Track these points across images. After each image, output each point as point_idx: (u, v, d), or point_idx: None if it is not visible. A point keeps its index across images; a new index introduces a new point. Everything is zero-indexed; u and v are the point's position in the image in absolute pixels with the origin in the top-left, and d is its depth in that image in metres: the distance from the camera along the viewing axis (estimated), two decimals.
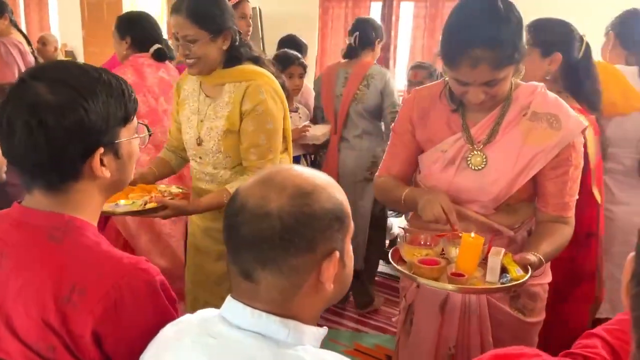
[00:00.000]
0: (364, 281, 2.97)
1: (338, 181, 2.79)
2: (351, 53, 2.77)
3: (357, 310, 3.00)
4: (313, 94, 3.03)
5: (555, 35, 1.77)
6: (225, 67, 1.76)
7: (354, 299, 3.03)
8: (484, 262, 1.29)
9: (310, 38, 3.45)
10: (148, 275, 0.92)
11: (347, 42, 2.78)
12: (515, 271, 1.24)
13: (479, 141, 1.41)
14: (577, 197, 1.43)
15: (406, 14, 6.89)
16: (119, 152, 0.98)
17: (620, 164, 2.05)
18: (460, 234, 1.29)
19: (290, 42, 3.20)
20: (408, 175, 1.57)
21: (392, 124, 2.69)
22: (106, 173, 0.96)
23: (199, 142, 1.81)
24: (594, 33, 2.09)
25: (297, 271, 0.79)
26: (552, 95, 1.41)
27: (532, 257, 1.27)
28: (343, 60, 2.84)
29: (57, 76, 0.92)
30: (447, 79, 1.38)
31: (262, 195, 0.79)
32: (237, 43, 1.75)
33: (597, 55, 2.19)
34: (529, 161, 1.37)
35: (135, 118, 1.01)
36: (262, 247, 0.78)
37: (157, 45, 2.38)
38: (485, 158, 1.40)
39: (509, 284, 1.22)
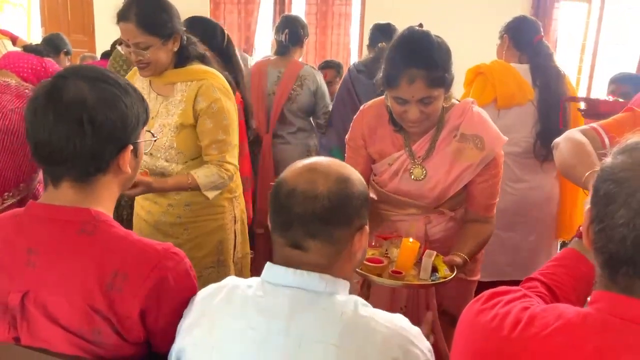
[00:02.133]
0: None
1: (275, 176, 2.94)
2: (282, 50, 2.89)
3: None
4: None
5: None
6: (176, 67, 1.83)
7: None
8: (418, 262, 1.54)
9: None
10: (180, 258, 1.04)
11: (277, 39, 2.89)
12: (444, 270, 1.52)
13: (419, 156, 1.68)
14: (498, 199, 1.73)
15: (298, 11, 7.08)
16: (137, 152, 1.09)
17: (519, 147, 2.42)
18: (401, 237, 1.56)
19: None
20: (366, 179, 1.80)
21: (324, 123, 2.92)
22: (128, 169, 1.06)
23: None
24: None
25: (339, 241, 0.99)
26: (477, 113, 1.68)
27: (457, 258, 1.55)
28: (272, 57, 2.95)
29: (94, 75, 1.01)
30: (388, 104, 1.61)
31: (311, 180, 0.98)
32: (185, 43, 1.83)
33: (492, 56, 2.57)
34: (459, 174, 1.65)
35: None
36: (314, 223, 0.96)
37: None
38: (424, 170, 1.68)
39: (437, 282, 1.49)
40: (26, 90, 3.28)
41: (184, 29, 1.82)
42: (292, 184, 0.98)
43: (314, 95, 2.89)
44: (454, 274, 1.51)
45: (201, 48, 1.91)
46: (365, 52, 6.64)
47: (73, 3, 7.10)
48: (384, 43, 2.75)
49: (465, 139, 1.64)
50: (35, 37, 7.32)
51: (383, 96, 1.75)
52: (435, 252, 1.53)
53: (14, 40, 3.86)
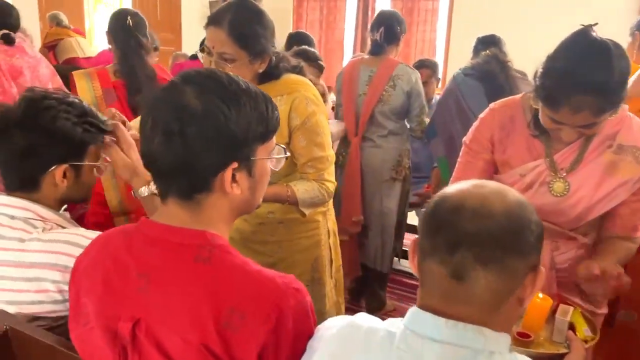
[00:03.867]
0: (375, 285, 2.94)
1: (362, 182, 2.75)
2: (376, 49, 2.69)
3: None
4: (326, 91, 2.94)
5: None
6: (260, 84, 1.62)
7: (365, 303, 3.01)
8: (550, 317, 1.28)
9: (284, 32, 3.39)
10: (302, 296, 0.89)
11: (371, 37, 2.70)
12: (583, 331, 1.25)
13: (561, 168, 1.42)
14: None
15: (383, 6, 6.88)
16: (252, 170, 0.93)
17: None
18: None
19: (300, 37, 3.10)
20: None
21: (417, 126, 2.71)
22: (236, 190, 0.91)
23: None
24: None
25: (513, 275, 0.79)
26: (637, 121, 1.42)
27: (595, 266, 1.28)
28: (366, 57, 2.76)
29: (205, 82, 0.89)
30: (534, 106, 1.36)
31: (482, 196, 0.81)
32: (273, 64, 1.63)
33: None
34: (611, 191, 1.39)
35: (274, 138, 0.97)
36: (486, 244, 0.77)
37: (3, 31, 2.51)
38: (567, 185, 1.42)
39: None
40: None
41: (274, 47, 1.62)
42: (459, 199, 0.81)
43: (407, 96, 2.67)
44: (597, 337, 1.24)
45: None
46: (452, 49, 6.46)
47: (162, 2, 7.29)
48: (492, 49, 2.54)
49: (623, 151, 1.37)
50: None
51: (516, 96, 1.51)
52: (572, 308, 1.27)
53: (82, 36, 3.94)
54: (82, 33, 3.96)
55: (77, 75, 2.30)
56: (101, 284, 0.91)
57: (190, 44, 6.91)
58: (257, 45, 1.53)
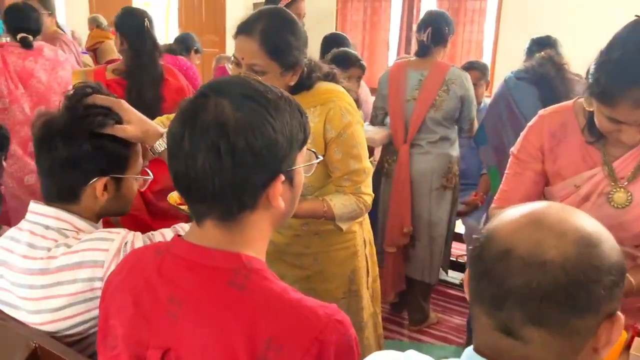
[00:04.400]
0: (418, 296, 2.82)
1: (412, 191, 2.62)
2: (423, 50, 2.57)
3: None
4: (369, 93, 2.84)
5: None
6: (293, 94, 1.50)
7: (408, 315, 2.89)
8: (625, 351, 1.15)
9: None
10: (345, 329, 0.81)
11: (417, 38, 2.59)
12: None
13: (622, 177, 1.30)
14: None
15: (429, 6, 6.73)
16: (294, 181, 0.87)
17: None
18: None
19: (336, 39, 3.02)
20: None
21: (469, 127, 2.59)
22: (281, 203, 0.84)
23: None
24: None
25: (578, 332, 0.66)
26: None
27: None
28: (412, 59, 2.65)
29: (240, 90, 0.81)
30: (588, 108, 1.25)
31: (536, 239, 0.66)
32: (305, 75, 1.53)
33: None
34: None
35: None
36: (539, 303, 0.64)
37: (21, 35, 2.59)
38: (630, 196, 1.29)
39: None
40: None
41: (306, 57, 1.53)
42: (507, 242, 0.68)
43: (461, 101, 2.54)
44: None
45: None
46: (500, 51, 6.24)
47: (208, 5, 7.37)
48: (548, 50, 2.38)
49: None
50: (172, 37, 7.71)
51: (568, 101, 1.39)
52: None
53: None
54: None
55: (74, 73, 2.32)
56: (132, 306, 0.86)
57: (234, 46, 6.93)
58: (290, 56, 1.44)
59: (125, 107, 1.18)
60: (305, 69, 1.51)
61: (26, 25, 2.61)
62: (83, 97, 1.15)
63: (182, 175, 0.80)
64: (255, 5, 6.23)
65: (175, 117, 0.83)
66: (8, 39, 2.69)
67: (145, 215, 2.25)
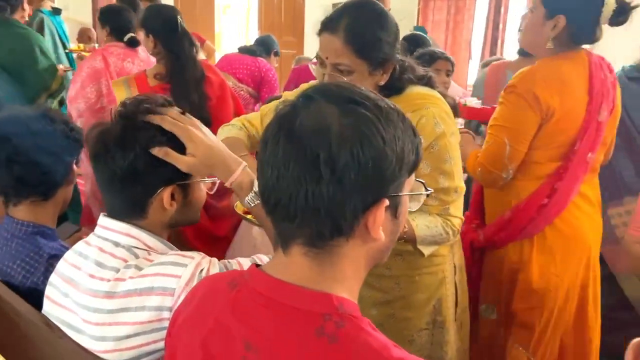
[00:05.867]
0: None
1: None
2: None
3: None
4: (460, 92, 2.64)
5: None
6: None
7: None
8: None
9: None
10: None
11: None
12: None
13: None
14: None
15: (517, 4, 6.35)
16: (398, 210, 0.73)
17: None
18: None
19: (416, 39, 2.84)
20: None
21: None
22: (382, 235, 0.70)
23: None
24: None
25: None
26: None
27: None
28: (511, 60, 2.43)
29: (349, 95, 0.69)
30: None
31: None
32: (397, 73, 1.37)
33: None
34: None
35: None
36: None
37: (130, 34, 2.60)
38: None
39: None
40: (241, 92, 3.31)
41: (399, 55, 1.37)
42: None
43: None
44: None
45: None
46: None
47: (287, 7, 7.37)
48: None
49: None
50: (252, 38, 7.81)
51: None
52: None
53: (202, 42, 3.96)
54: (202, 39, 4.00)
55: (115, 84, 2.23)
56: (200, 347, 0.75)
57: (312, 47, 6.93)
58: (379, 53, 1.29)
59: (194, 138, 1.03)
60: (398, 67, 1.35)
61: (129, 25, 2.64)
62: (140, 104, 1.06)
63: (270, 187, 0.69)
64: (334, 5, 6.10)
65: (271, 121, 0.71)
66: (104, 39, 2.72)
67: (206, 219, 2.17)
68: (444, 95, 1.45)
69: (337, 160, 0.64)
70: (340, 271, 0.71)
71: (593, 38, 1.64)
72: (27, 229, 1.27)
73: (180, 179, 1.07)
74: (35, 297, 1.15)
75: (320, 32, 1.32)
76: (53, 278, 1.09)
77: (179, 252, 1.04)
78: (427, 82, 1.43)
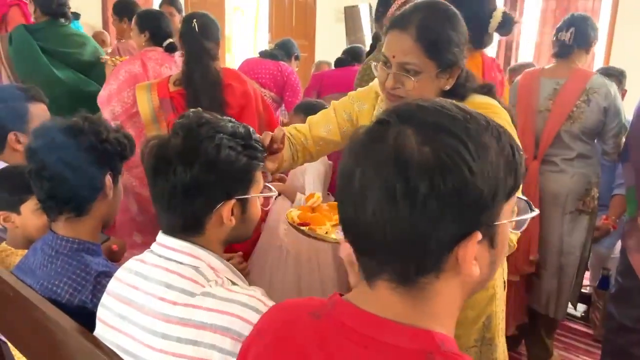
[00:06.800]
0: (542, 331, 2.50)
1: (541, 213, 2.31)
2: (563, 51, 2.28)
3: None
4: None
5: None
6: None
7: (527, 351, 2.59)
8: None
9: None
10: None
11: (558, 38, 2.30)
12: None
13: None
14: None
15: (532, 7, 6.28)
16: (495, 239, 0.65)
17: None
18: None
19: None
20: None
21: (613, 149, 2.27)
22: (476, 269, 0.63)
23: None
24: None
25: None
26: None
27: None
28: (547, 67, 2.36)
29: (433, 118, 0.62)
30: None
31: None
32: (462, 80, 1.32)
33: None
34: None
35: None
36: None
37: (169, 40, 2.63)
38: None
39: None
40: (264, 97, 3.25)
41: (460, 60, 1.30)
42: None
43: (604, 113, 2.22)
44: None
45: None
46: (615, 54, 5.69)
47: (298, 9, 7.31)
48: None
49: None
50: (260, 41, 7.74)
51: None
52: None
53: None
54: None
55: (139, 88, 2.24)
56: None
57: (322, 49, 6.88)
58: (449, 54, 1.24)
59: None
60: (464, 72, 1.30)
61: (168, 30, 2.65)
62: (202, 115, 1.03)
63: (350, 221, 0.64)
64: (346, 9, 6.06)
65: (346, 149, 0.66)
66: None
67: None
68: (506, 107, 1.39)
69: (415, 192, 0.58)
70: (434, 307, 0.65)
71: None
72: (72, 245, 1.21)
73: (240, 193, 1.02)
74: (84, 316, 1.09)
75: (388, 30, 1.27)
76: (106, 299, 1.03)
77: (259, 294, 0.96)
78: (489, 91, 1.37)
